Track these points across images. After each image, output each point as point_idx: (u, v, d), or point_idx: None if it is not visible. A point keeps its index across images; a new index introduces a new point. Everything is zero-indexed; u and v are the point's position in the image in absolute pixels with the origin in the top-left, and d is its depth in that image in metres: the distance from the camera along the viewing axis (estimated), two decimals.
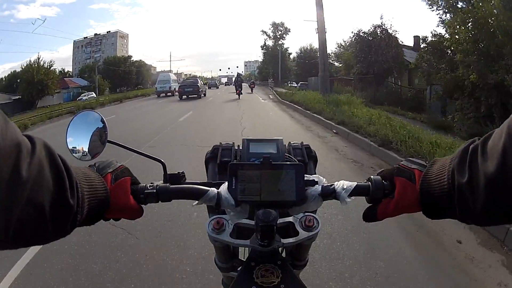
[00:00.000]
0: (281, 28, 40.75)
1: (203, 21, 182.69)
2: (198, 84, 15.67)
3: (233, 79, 20.26)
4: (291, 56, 41.26)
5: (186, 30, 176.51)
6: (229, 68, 67.56)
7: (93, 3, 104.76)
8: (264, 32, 41.70)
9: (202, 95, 14.51)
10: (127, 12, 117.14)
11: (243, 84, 17.96)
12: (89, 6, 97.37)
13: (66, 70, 46.28)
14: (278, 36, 40.43)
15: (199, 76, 72.49)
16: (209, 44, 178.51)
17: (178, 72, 79.68)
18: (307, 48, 43.47)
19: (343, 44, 28.75)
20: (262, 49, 44.12)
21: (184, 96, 15.29)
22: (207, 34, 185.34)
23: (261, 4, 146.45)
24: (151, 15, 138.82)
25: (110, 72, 39.94)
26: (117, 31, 60.94)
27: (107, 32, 61.27)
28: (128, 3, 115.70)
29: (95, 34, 62.54)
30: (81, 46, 60.22)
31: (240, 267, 0.61)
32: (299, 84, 30.19)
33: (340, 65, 28.49)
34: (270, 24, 40.84)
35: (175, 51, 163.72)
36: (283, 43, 39.92)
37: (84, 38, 62.91)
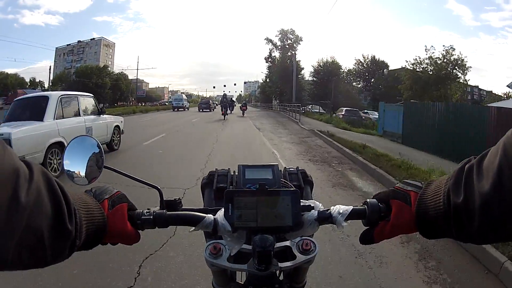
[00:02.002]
0: (291, 36, 33.41)
1: (204, 39, 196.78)
2: (210, 103, 25.76)
3: (225, 100, 18.59)
4: (303, 72, 34.21)
5: (187, 48, 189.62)
6: (224, 86, 68.58)
7: (97, 15, 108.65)
8: (270, 41, 34.64)
9: (213, 109, 21.16)
10: (130, 27, 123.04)
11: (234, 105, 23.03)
12: (92, 17, 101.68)
13: (38, 80, 43.66)
14: (287, 46, 33.11)
15: (196, 95, 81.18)
16: (209, 64, 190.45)
17: (174, 90, 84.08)
18: (326, 62, 36.09)
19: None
20: (266, 62, 36.40)
21: (201, 110, 26.70)
22: (207, 54, 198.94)
23: (265, 24, 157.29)
24: (154, 32, 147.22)
25: (81, 84, 35.77)
26: (101, 39, 58.82)
27: (91, 39, 58.90)
28: (131, 18, 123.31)
29: (78, 41, 60.04)
30: (63, 54, 57.54)
31: None
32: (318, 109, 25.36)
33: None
34: (278, 31, 34.34)
35: (174, 68, 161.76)
36: (294, 53, 31.61)
37: (67, 45, 59.87)
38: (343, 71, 36.93)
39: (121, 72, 47.44)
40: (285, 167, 0.76)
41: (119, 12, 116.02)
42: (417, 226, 0.46)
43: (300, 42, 32.65)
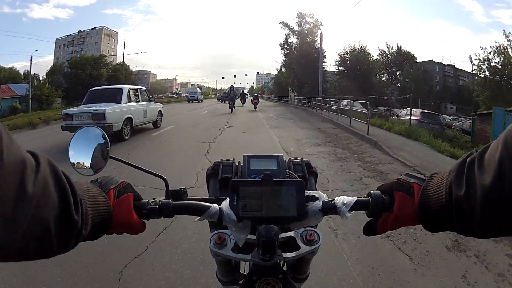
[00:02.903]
0: (310, 20, 28.16)
1: (215, 31, 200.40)
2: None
3: (233, 92, 17.73)
4: (326, 61, 28.94)
5: (198, 40, 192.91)
6: (235, 76, 70.89)
7: (107, 8, 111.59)
8: (286, 25, 29.34)
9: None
10: (140, 20, 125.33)
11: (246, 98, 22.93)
12: (103, 10, 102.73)
13: (33, 73, 39.13)
14: (306, 31, 28.16)
15: (206, 86, 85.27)
16: (220, 56, 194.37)
17: (184, 82, 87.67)
18: (353, 50, 31.43)
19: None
20: (282, 48, 31.15)
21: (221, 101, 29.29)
22: (219, 46, 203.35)
23: (279, 12, 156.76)
24: (165, 24, 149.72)
25: (74, 76, 34.68)
26: (102, 28, 56.46)
27: (92, 29, 56.71)
28: (142, 10, 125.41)
29: (79, 31, 57.89)
30: (63, 45, 55.40)
31: (241, 281, 0.67)
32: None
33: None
34: (296, 15, 29.53)
35: (185, 60, 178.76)
36: (321, 33, 26.01)
37: (68, 36, 57.91)
38: (372, 61, 32.95)
39: (122, 63, 45.19)
40: (289, 158, 0.80)
41: (129, 4, 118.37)
42: (419, 219, 0.48)
43: (321, 28, 27.60)
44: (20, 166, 0.32)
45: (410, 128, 9.11)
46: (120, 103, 7.30)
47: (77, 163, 0.57)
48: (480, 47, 22.21)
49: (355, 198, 0.54)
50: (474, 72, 20.26)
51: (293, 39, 29.57)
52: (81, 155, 0.58)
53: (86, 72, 35.34)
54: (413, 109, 12.42)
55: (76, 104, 16.13)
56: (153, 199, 0.55)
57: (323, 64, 26.41)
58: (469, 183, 0.39)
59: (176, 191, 0.59)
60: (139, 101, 8.19)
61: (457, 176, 0.42)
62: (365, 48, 31.42)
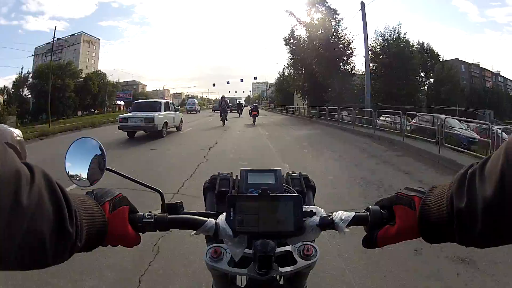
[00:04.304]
0: (322, 9, 21.56)
1: (210, 42, 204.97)
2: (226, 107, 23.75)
3: (224, 103, 16.36)
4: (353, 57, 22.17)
5: (193, 51, 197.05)
6: (228, 82, 66.54)
7: (103, 20, 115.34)
8: (291, 14, 23.45)
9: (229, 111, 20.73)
10: (136, 31, 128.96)
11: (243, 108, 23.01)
12: (98, 22, 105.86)
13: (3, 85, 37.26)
14: (316, 22, 21.70)
15: (201, 97, 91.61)
16: (216, 67, 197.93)
17: (177, 92, 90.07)
18: (390, 37, 22.38)
19: None
20: (287, 44, 25.49)
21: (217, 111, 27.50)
22: (214, 57, 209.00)
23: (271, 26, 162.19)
24: (160, 35, 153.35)
25: (40, 88, 30.66)
26: (81, 33, 54.41)
27: (71, 35, 54.83)
28: (137, 22, 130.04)
29: (58, 39, 56.12)
30: (41, 54, 52.60)
31: None
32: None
33: None
34: (304, 3, 24.16)
35: (183, 72, 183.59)
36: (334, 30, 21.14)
37: (47, 44, 55.82)
38: (414, 54, 23.29)
39: (98, 71, 42.11)
40: (287, 172, 0.82)
41: (124, 16, 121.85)
42: (419, 230, 0.50)
43: (335, 17, 21.01)
44: (14, 177, 0.33)
45: None
46: (160, 111, 11.47)
47: (74, 174, 0.59)
48: None
49: (353, 213, 0.56)
50: None
51: (301, 31, 23.24)
52: (77, 166, 0.60)
53: (44, 84, 30.97)
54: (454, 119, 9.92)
55: (40, 121, 15.88)
56: (149, 212, 0.57)
57: (351, 58, 20.59)
58: (470, 194, 0.41)
59: (172, 204, 0.62)
60: (169, 110, 12.40)
61: (458, 188, 0.43)
62: (404, 37, 22.13)
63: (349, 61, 20.81)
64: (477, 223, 0.40)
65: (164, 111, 11.47)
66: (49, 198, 0.38)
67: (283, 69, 33.96)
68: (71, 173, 0.60)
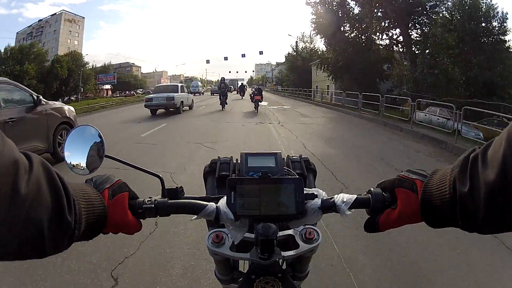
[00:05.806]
0: None
1: (212, 24, 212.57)
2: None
3: (224, 85, 15.02)
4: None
5: (195, 34, 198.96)
6: (225, 59, 57.58)
7: (103, 4, 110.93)
8: None
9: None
10: (138, 14, 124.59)
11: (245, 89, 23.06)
12: (99, 7, 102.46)
13: None
14: None
15: (199, 78, 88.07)
16: (219, 49, 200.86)
17: (176, 74, 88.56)
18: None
19: None
20: (307, 3, 18.90)
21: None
22: (217, 38, 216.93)
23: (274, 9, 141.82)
24: (162, 18, 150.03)
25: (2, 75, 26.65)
26: (62, 12, 49.35)
27: (51, 15, 50.12)
28: (139, 5, 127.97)
29: (39, 20, 51.33)
30: (22, 39, 48.38)
31: (240, 279, 0.69)
32: None
33: None
34: None
35: (184, 54, 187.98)
36: None
37: (28, 27, 51.63)
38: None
39: (72, 52, 36.96)
40: (288, 155, 0.82)
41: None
42: (422, 214, 0.50)
43: None
44: (13, 166, 0.34)
45: None
46: (178, 92, 14.49)
47: (73, 162, 0.59)
48: None
49: (355, 196, 0.56)
50: None
51: None
52: (76, 155, 0.60)
53: (6, 70, 28.24)
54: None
55: None
56: (149, 198, 0.57)
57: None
58: (473, 179, 0.41)
59: (172, 189, 0.61)
60: (184, 92, 15.58)
61: (461, 172, 0.43)
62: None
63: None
64: (479, 208, 0.40)
65: (181, 92, 14.48)
66: (47, 187, 0.38)
67: (296, 42, 28.01)
68: (70, 161, 0.60)
